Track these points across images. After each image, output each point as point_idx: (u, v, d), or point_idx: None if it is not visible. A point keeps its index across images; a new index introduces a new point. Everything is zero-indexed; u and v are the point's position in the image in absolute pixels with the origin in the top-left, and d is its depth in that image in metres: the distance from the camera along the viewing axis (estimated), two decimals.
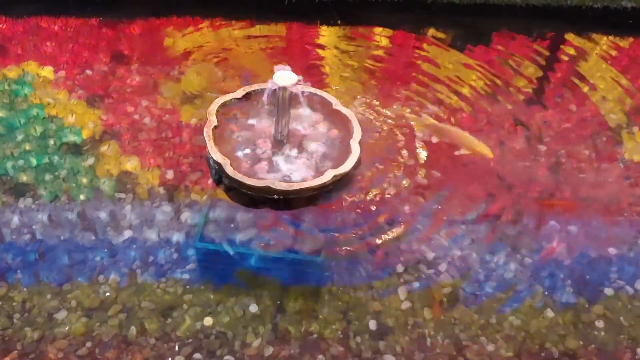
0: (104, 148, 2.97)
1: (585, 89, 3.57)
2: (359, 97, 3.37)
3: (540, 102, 3.45)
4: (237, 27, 3.84)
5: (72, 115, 3.14)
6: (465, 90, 3.48)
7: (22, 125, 3.08)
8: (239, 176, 2.68)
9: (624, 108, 3.46)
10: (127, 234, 2.63)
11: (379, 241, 2.66)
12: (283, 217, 2.74)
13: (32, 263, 2.51)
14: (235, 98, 3.03)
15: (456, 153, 2.97)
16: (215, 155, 2.74)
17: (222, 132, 2.92)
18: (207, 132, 2.83)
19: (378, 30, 3.91)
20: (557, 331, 2.42)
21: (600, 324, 2.46)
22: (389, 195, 2.84)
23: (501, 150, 3.12)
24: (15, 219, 2.66)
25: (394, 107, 3.32)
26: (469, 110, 3.34)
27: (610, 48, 3.88)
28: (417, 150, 3.07)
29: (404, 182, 2.91)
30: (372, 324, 2.39)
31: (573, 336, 2.41)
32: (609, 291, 2.57)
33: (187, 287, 2.45)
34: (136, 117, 3.15)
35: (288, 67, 2.73)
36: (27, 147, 2.96)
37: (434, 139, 3.13)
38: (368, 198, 2.82)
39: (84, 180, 2.83)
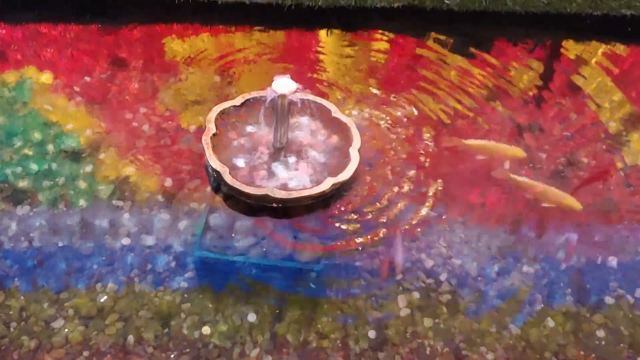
0: (102, 155, 2.97)
1: (585, 95, 3.56)
2: (358, 104, 3.37)
3: (539, 109, 3.45)
4: (236, 34, 3.84)
5: (70, 121, 3.13)
6: (465, 97, 3.47)
7: (21, 131, 3.07)
8: (237, 184, 2.67)
9: (623, 115, 3.46)
10: (125, 241, 2.62)
11: (378, 249, 2.65)
12: (282, 225, 2.73)
13: (30, 270, 2.50)
14: (234, 105, 3.03)
15: (543, 205, 2.91)
16: (214, 163, 2.73)
17: (221, 139, 2.91)
18: (206, 140, 2.82)
19: (378, 37, 3.91)
20: (557, 340, 2.41)
21: (600, 333, 2.45)
22: (388, 203, 2.84)
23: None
24: (13, 226, 2.65)
25: (392, 113, 3.32)
26: (469, 117, 3.34)
27: (609, 55, 3.89)
28: (417, 155, 3.07)
29: (403, 190, 2.91)
30: (372, 333, 2.38)
31: (573, 345, 2.40)
32: (609, 300, 2.56)
33: (185, 295, 2.44)
34: (135, 124, 3.14)
35: (287, 75, 2.72)
36: (26, 153, 2.95)
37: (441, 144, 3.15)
38: (367, 206, 2.81)
39: (83, 187, 2.82)
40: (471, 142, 3.18)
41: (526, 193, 2.94)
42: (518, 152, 3.13)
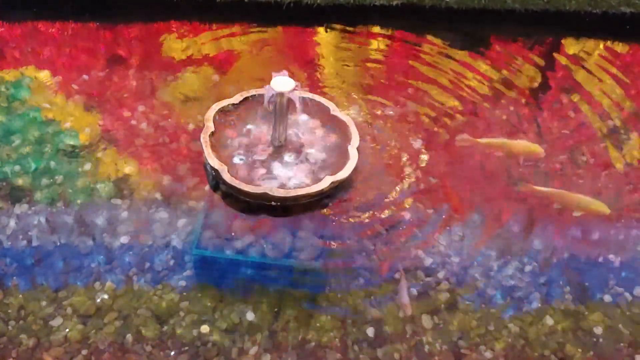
0: (100, 153, 2.96)
1: (583, 93, 3.56)
2: (357, 102, 3.36)
3: (539, 107, 3.44)
4: (234, 32, 3.83)
5: (69, 119, 3.13)
6: (464, 96, 3.47)
7: (19, 129, 3.06)
8: (236, 183, 2.67)
9: (622, 113, 3.46)
10: (124, 240, 2.61)
11: (377, 248, 2.65)
12: (280, 224, 2.72)
13: (29, 269, 2.50)
14: (233, 103, 3.02)
15: (574, 214, 2.87)
16: (212, 161, 2.72)
17: (219, 138, 2.91)
18: (204, 138, 2.81)
19: (376, 35, 3.90)
20: (555, 338, 2.41)
21: (599, 331, 2.45)
22: (387, 202, 2.83)
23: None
24: (12, 224, 2.64)
25: (392, 111, 3.31)
26: (469, 115, 3.34)
27: (608, 53, 3.88)
28: (414, 155, 3.07)
29: (402, 188, 2.90)
30: (370, 332, 2.37)
31: (572, 343, 2.40)
32: (607, 298, 2.56)
33: (184, 294, 2.44)
34: (133, 122, 3.14)
35: (285, 73, 2.72)
36: (24, 152, 2.95)
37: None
38: (366, 205, 2.81)
39: (81, 186, 2.82)
40: (485, 140, 3.15)
41: (554, 203, 2.91)
42: (535, 148, 3.10)
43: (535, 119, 3.36)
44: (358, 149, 2.86)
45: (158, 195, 2.79)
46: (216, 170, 2.71)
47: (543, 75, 3.68)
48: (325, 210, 2.78)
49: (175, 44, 3.70)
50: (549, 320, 2.47)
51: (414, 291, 2.51)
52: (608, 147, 3.23)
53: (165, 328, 2.33)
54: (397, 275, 2.55)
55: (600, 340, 2.42)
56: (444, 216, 2.80)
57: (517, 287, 2.57)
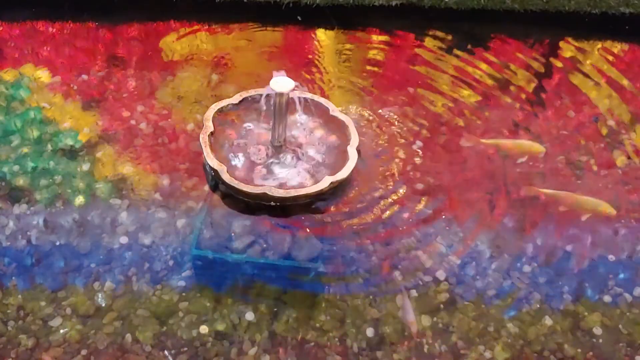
0: (99, 153, 2.96)
1: (583, 94, 3.56)
2: (356, 102, 3.36)
3: (538, 107, 3.44)
4: (233, 32, 3.83)
5: (68, 119, 3.13)
6: (463, 96, 3.47)
7: (18, 129, 3.06)
8: (235, 183, 2.67)
9: (621, 113, 3.46)
10: (123, 240, 2.61)
11: (376, 248, 2.65)
12: (280, 224, 2.72)
13: (28, 269, 2.50)
14: (232, 103, 3.02)
15: (582, 219, 2.86)
16: (212, 161, 2.72)
17: (219, 138, 2.91)
18: (203, 138, 2.81)
19: (375, 35, 3.90)
20: (555, 338, 2.41)
21: (598, 331, 2.45)
22: (386, 202, 2.83)
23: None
24: (11, 224, 2.64)
25: (391, 112, 3.31)
26: (469, 115, 3.34)
27: (607, 54, 3.88)
28: (415, 155, 3.06)
29: (402, 188, 2.90)
30: (370, 332, 2.38)
31: (571, 343, 2.40)
32: (607, 298, 2.57)
33: (183, 294, 2.44)
34: (132, 122, 3.14)
35: (285, 73, 2.71)
36: (23, 151, 2.94)
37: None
38: (366, 205, 2.81)
39: (80, 186, 2.82)
40: (487, 140, 3.15)
41: (561, 206, 2.90)
42: (538, 147, 3.11)
43: (536, 119, 3.36)
44: (357, 149, 2.86)
45: (157, 195, 2.79)
46: (215, 171, 2.71)
47: (543, 75, 3.68)
48: (324, 210, 2.78)
49: (175, 44, 3.70)
50: (548, 321, 2.47)
51: (414, 292, 2.51)
52: (608, 147, 3.23)
53: (164, 328, 2.33)
54: (397, 275, 2.56)
55: (600, 340, 2.43)
56: (444, 216, 2.80)
57: (517, 287, 2.57)
